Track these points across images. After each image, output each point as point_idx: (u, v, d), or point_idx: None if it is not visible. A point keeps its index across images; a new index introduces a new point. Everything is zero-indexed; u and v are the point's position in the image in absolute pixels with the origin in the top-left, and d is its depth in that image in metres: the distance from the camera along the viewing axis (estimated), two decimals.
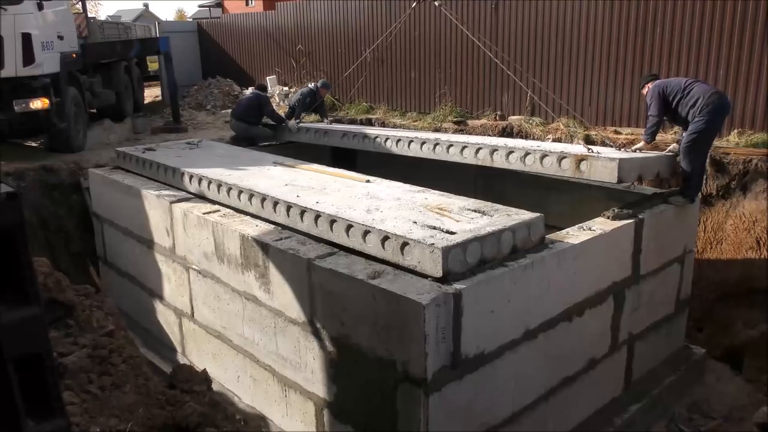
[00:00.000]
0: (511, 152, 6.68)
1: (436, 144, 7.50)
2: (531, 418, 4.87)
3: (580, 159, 6.07)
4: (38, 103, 9.39)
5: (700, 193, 6.64)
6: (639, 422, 5.93)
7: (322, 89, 10.67)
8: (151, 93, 18.99)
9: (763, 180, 7.81)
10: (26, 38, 9.23)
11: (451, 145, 7.33)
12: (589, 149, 6.38)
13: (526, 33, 10.86)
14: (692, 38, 8.99)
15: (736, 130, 8.55)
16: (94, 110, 12.95)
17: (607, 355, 5.68)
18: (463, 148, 7.17)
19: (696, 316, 7.70)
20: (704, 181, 7.52)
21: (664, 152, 6.64)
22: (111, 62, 13.53)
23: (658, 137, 7.62)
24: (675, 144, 6.62)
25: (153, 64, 21.37)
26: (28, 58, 9.29)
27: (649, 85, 6.32)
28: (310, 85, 10.91)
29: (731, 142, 8.38)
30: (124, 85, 14.22)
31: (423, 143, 7.68)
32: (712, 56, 8.84)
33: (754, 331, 7.34)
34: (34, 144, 11.24)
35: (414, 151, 7.82)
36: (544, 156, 6.38)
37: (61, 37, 10.39)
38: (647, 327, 6.18)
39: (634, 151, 6.49)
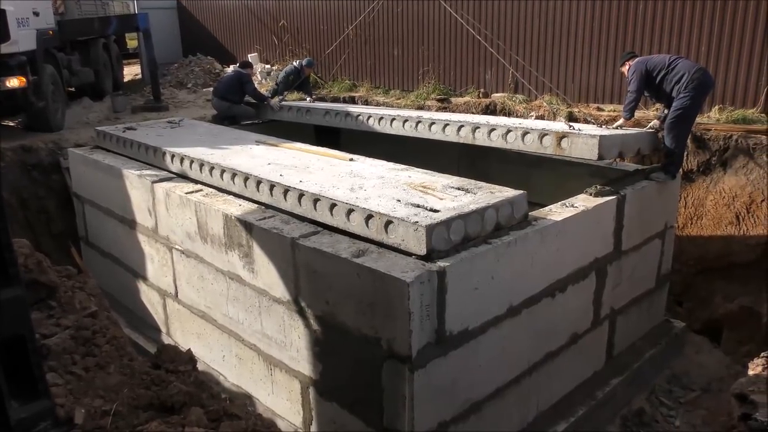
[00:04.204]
0: (492, 130, 6.68)
1: (419, 122, 7.48)
2: (515, 393, 4.94)
3: (561, 136, 6.10)
4: (15, 82, 9.21)
5: (681, 170, 6.70)
6: (620, 395, 6.03)
7: (307, 68, 10.59)
8: (131, 71, 18.67)
9: (743, 156, 7.89)
10: (1, 14, 9.02)
11: (433, 123, 7.32)
12: (570, 126, 6.40)
13: (508, 10, 10.79)
14: (674, 14, 8.98)
15: (717, 106, 8.59)
16: (73, 89, 12.75)
17: (590, 330, 5.75)
18: (445, 125, 7.16)
19: (676, 290, 7.81)
20: (685, 158, 7.59)
21: (644, 129, 6.67)
22: (89, 39, 13.28)
23: (641, 114, 7.67)
24: (656, 120, 6.66)
25: (132, 42, 21.00)
26: (3, 35, 9.08)
27: (630, 62, 6.35)
28: (294, 63, 10.82)
29: (712, 119, 8.43)
30: (102, 62, 13.97)
31: (405, 121, 7.66)
32: (694, 33, 8.85)
33: (733, 305, 7.47)
34: (11, 123, 11.05)
35: (396, 129, 7.80)
36: (525, 133, 6.39)
37: (36, 14, 10.17)
38: (629, 302, 6.27)
39: (616, 128, 6.52)
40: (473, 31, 10.22)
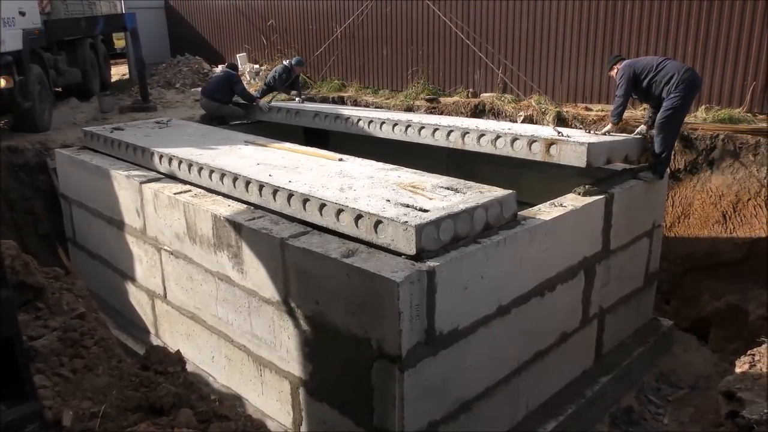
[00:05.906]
0: (482, 135, 6.69)
1: (408, 126, 7.49)
2: (504, 392, 4.95)
3: (549, 143, 6.11)
4: (1, 82, 9.15)
5: (668, 169, 6.74)
6: (609, 393, 6.06)
7: (296, 67, 10.57)
8: (118, 71, 18.56)
9: (730, 155, 7.95)
10: None
11: (422, 128, 7.32)
12: (558, 132, 6.41)
13: (496, 11, 10.81)
14: (661, 15, 9.04)
15: (703, 106, 8.66)
16: (60, 89, 12.66)
17: (579, 328, 5.78)
18: (435, 130, 7.17)
19: (664, 289, 7.86)
20: (672, 157, 7.63)
21: (632, 135, 6.68)
22: (76, 39, 13.19)
23: (628, 114, 7.70)
24: (643, 126, 6.66)
25: (119, 41, 20.89)
26: None
27: (618, 65, 6.36)
28: (284, 63, 10.80)
29: (699, 118, 8.49)
30: (89, 62, 13.90)
31: (395, 125, 7.66)
32: (681, 33, 8.91)
33: (720, 303, 7.52)
34: None
35: (386, 132, 7.80)
36: (514, 140, 6.40)
37: (22, 13, 10.09)
38: (617, 300, 6.30)
39: (604, 133, 6.52)
40: (461, 34, 10.24)
